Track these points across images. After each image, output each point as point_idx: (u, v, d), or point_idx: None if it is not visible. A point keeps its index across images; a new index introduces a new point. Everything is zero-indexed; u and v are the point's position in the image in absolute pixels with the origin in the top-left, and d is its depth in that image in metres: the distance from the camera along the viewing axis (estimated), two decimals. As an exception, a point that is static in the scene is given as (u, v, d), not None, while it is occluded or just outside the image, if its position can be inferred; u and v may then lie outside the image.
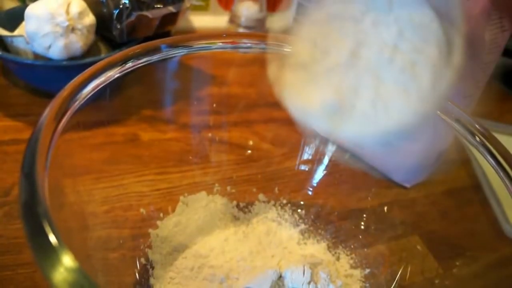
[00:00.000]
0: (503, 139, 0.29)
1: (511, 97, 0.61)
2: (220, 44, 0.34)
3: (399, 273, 0.33)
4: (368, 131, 0.21)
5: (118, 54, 0.29)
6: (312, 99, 0.23)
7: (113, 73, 0.29)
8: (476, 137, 0.28)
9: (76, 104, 0.26)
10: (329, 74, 0.23)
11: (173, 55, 0.32)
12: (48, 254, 0.18)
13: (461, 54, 0.21)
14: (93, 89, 0.27)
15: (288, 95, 0.24)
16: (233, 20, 0.62)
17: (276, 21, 0.64)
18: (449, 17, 0.21)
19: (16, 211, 0.35)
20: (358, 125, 0.22)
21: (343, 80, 0.22)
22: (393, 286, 0.32)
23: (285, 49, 0.34)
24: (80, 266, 0.17)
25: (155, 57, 0.31)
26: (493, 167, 0.27)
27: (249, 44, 0.35)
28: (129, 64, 0.30)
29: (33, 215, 0.19)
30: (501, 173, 0.26)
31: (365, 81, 0.22)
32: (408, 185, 0.40)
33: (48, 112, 0.24)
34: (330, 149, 0.37)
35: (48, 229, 0.18)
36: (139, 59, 0.30)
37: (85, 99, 0.27)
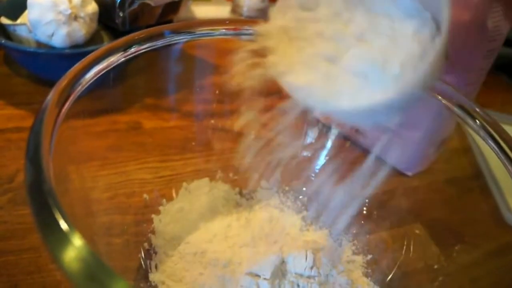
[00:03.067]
0: (506, 129, 0.29)
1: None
2: (223, 30, 0.34)
3: (401, 259, 0.33)
4: (352, 105, 0.22)
5: (121, 40, 0.29)
6: (300, 74, 0.24)
7: (116, 59, 0.29)
8: (477, 121, 0.28)
9: (79, 89, 0.26)
10: (313, 46, 0.24)
11: (176, 41, 0.32)
12: (54, 230, 0.18)
13: (445, 35, 0.21)
14: (95, 75, 0.27)
15: (278, 72, 0.25)
16: (235, 10, 0.62)
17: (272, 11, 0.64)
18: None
19: (20, 198, 0.36)
20: (344, 99, 0.22)
21: (326, 52, 0.23)
22: (394, 272, 0.33)
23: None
24: (86, 242, 0.18)
25: (158, 43, 0.31)
26: (494, 152, 0.27)
27: (251, 31, 0.35)
28: (132, 50, 0.30)
29: (38, 194, 0.19)
30: (503, 157, 0.26)
31: (348, 54, 0.23)
32: (410, 174, 0.40)
33: (51, 96, 0.24)
34: (332, 137, 0.37)
35: (53, 206, 0.18)
36: (142, 45, 0.30)
37: (88, 84, 0.27)
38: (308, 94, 0.23)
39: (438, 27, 0.22)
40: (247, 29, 0.35)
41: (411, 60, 0.21)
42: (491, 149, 0.28)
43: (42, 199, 0.19)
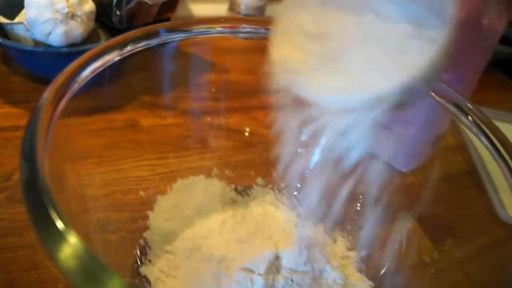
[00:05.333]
0: (502, 126, 0.29)
1: (511, 85, 0.61)
2: (219, 28, 0.34)
3: (395, 255, 0.33)
4: (350, 94, 0.22)
5: (117, 38, 0.30)
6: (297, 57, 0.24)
7: (112, 57, 0.29)
8: (470, 118, 0.28)
9: (75, 87, 0.26)
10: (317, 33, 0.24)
11: (172, 40, 0.33)
12: (49, 228, 0.18)
13: (448, 31, 0.21)
14: (91, 73, 0.27)
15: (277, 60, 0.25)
16: (232, 8, 0.63)
17: (276, 9, 0.64)
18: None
19: (17, 196, 0.36)
20: (340, 86, 0.22)
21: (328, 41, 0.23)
22: (388, 267, 0.33)
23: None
24: (81, 239, 0.18)
25: (154, 41, 0.31)
26: (487, 149, 0.27)
27: (248, 29, 0.35)
28: (128, 48, 0.30)
29: (33, 191, 0.19)
30: (495, 154, 0.27)
31: (350, 43, 0.23)
32: (405, 170, 0.40)
33: (47, 94, 0.24)
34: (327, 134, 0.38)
35: (48, 203, 0.18)
36: (138, 43, 0.30)
37: (84, 82, 0.27)
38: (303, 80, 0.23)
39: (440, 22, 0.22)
40: (244, 27, 0.35)
41: (416, 52, 0.21)
42: (484, 146, 0.28)
43: (36, 197, 0.19)
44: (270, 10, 0.64)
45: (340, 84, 0.22)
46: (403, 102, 0.22)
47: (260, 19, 0.43)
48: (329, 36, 0.23)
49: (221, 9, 0.65)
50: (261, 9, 0.62)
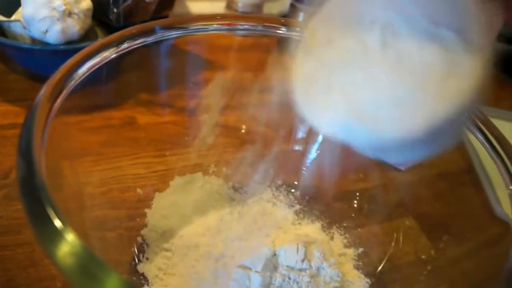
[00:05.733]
0: (499, 124, 0.29)
1: (509, 84, 0.61)
2: (216, 26, 0.34)
3: (392, 252, 0.34)
4: (397, 134, 0.20)
5: (113, 35, 0.30)
6: (325, 109, 0.22)
7: (109, 54, 0.29)
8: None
9: (72, 84, 0.26)
10: (342, 78, 0.22)
11: (169, 37, 0.33)
12: (46, 225, 0.18)
13: (487, 53, 0.20)
14: (88, 70, 0.28)
15: (300, 99, 0.23)
16: (230, 5, 0.62)
17: (274, 7, 0.64)
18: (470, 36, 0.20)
19: (15, 193, 0.36)
20: (386, 129, 0.20)
21: (356, 90, 0.21)
22: (385, 265, 0.33)
23: (282, 32, 0.35)
24: (78, 236, 0.18)
25: (150, 39, 0.31)
26: (483, 146, 0.28)
27: (245, 26, 0.35)
28: (125, 45, 0.30)
29: (30, 188, 0.19)
30: (491, 151, 0.27)
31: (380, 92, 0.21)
32: (403, 168, 0.40)
33: (44, 91, 0.25)
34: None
35: (45, 200, 0.19)
36: (135, 40, 0.30)
37: (81, 79, 0.27)
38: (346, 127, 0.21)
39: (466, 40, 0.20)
40: (241, 25, 0.35)
41: (449, 82, 0.20)
42: (481, 143, 0.28)
43: (33, 194, 0.19)
44: (268, 8, 0.64)
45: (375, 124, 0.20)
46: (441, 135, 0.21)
47: (258, 17, 0.43)
48: (354, 65, 0.21)
49: (218, 7, 0.64)
50: (258, 7, 0.62)
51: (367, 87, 0.21)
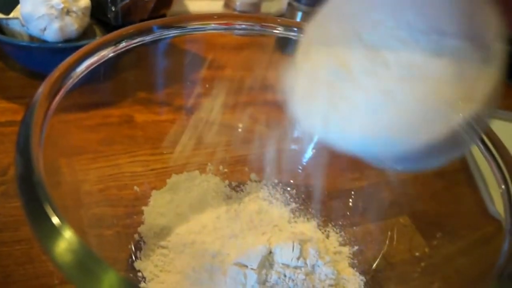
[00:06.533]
0: (499, 124, 0.29)
1: (507, 84, 0.62)
2: (214, 25, 0.35)
3: (387, 250, 0.34)
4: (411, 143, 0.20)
5: (111, 34, 0.30)
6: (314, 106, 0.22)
7: (107, 53, 0.29)
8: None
9: (70, 83, 0.27)
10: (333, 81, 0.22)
11: (167, 36, 0.33)
12: (44, 221, 0.18)
13: (499, 62, 0.19)
14: (86, 68, 0.28)
15: (293, 98, 0.23)
16: (228, 4, 0.63)
17: (271, 6, 0.65)
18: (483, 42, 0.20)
19: (13, 190, 0.36)
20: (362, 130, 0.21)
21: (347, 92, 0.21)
22: (379, 263, 0.33)
23: (279, 31, 0.35)
24: (75, 233, 0.18)
25: (148, 38, 0.32)
26: (476, 145, 0.28)
27: (243, 26, 0.36)
28: (123, 44, 0.30)
29: (28, 185, 0.19)
30: (484, 150, 0.27)
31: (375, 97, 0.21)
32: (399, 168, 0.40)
33: (42, 89, 0.25)
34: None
35: (43, 197, 0.19)
36: (132, 39, 0.31)
37: (79, 78, 0.27)
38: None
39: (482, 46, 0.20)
40: (239, 24, 0.36)
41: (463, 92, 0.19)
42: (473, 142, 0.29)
43: (31, 190, 0.19)
44: (266, 7, 0.64)
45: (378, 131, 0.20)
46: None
47: (256, 16, 0.43)
48: (355, 76, 0.21)
49: (216, 6, 0.64)
50: (256, 6, 0.62)
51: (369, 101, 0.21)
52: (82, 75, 0.28)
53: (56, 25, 0.43)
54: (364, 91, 0.21)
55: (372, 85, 0.21)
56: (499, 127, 0.29)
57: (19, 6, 0.45)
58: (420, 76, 0.20)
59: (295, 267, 0.31)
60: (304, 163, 0.39)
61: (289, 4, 0.59)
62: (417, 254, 0.33)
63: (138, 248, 0.33)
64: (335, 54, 0.22)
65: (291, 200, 0.38)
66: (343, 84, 0.21)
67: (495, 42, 0.20)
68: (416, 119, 0.20)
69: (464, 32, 0.20)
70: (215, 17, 0.34)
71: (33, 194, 0.19)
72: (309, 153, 0.39)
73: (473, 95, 0.20)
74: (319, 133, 0.23)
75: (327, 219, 0.37)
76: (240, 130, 0.40)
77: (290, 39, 0.36)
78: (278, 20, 0.36)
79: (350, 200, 0.37)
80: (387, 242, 0.34)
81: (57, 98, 0.25)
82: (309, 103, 0.23)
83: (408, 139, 0.20)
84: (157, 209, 0.35)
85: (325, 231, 0.36)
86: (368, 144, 0.21)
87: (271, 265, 0.31)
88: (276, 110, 0.35)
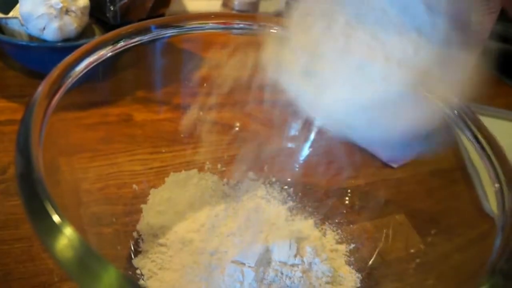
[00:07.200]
0: (493, 122, 0.30)
1: (503, 82, 0.62)
2: (212, 24, 0.35)
3: (383, 248, 0.34)
4: (347, 99, 0.21)
5: (110, 34, 0.30)
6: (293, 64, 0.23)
7: (105, 52, 0.29)
8: (456, 112, 0.29)
9: (69, 82, 0.27)
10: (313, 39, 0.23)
11: (165, 35, 0.33)
12: (44, 219, 0.19)
13: (443, 33, 0.20)
14: (85, 67, 0.28)
15: (272, 64, 0.24)
16: (226, 4, 0.63)
17: (269, 5, 0.65)
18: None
19: (13, 189, 0.36)
20: (338, 93, 0.21)
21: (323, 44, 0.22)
22: (376, 260, 0.34)
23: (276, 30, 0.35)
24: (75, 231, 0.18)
25: (146, 37, 0.32)
26: (471, 143, 0.28)
27: (241, 25, 0.36)
28: (121, 44, 0.30)
29: (28, 183, 0.20)
30: (478, 148, 0.27)
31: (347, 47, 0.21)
32: (395, 165, 0.41)
33: (42, 88, 0.25)
34: (315, 128, 0.38)
35: (43, 195, 0.19)
36: (131, 39, 0.31)
37: (78, 77, 0.28)
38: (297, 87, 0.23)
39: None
40: (237, 24, 0.36)
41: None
42: (468, 140, 0.29)
43: (31, 189, 0.20)
44: (264, 6, 0.64)
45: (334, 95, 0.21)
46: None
47: (254, 15, 0.43)
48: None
49: (215, 5, 0.65)
50: (254, 5, 0.62)
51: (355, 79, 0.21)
52: (81, 74, 0.28)
53: (55, 24, 0.43)
54: (344, 66, 0.22)
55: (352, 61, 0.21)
56: (494, 125, 0.30)
57: (18, 5, 0.45)
58: (397, 56, 0.21)
59: (292, 265, 0.31)
60: (301, 162, 0.39)
61: (287, 3, 0.59)
62: (412, 251, 0.34)
63: (137, 246, 0.33)
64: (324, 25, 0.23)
65: (289, 198, 0.38)
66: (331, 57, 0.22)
67: (478, 28, 0.20)
68: (391, 98, 0.21)
69: (450, 12, 0.20)
70: (213, 16, 0.35)
71: (33, 192, 0.19)
72: (306, 151, 0.39)
73: (449, 79, 0.20)
74: (311, 107, 0.24)
75: (324, 217, 0.37)
76: (237, 128, 0.41)
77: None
78: (276, 19, 0.37)
79: (347, 198, 0.38)
80: (383, 239, 0.35)
81: (56, 97, 0.26)
82: (292, 71, 0.24)
83: (386, 118, 0.21)
84: (155, 207, 0.35)
85: (322, 229, 0.36)
86: (352, 117, 0.22)
87: (268, 263, 0.31)
88: (273, 108, 0.35)
